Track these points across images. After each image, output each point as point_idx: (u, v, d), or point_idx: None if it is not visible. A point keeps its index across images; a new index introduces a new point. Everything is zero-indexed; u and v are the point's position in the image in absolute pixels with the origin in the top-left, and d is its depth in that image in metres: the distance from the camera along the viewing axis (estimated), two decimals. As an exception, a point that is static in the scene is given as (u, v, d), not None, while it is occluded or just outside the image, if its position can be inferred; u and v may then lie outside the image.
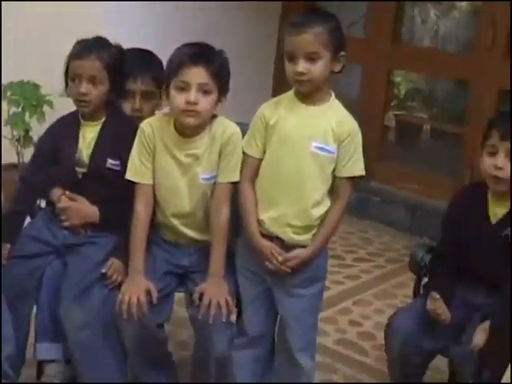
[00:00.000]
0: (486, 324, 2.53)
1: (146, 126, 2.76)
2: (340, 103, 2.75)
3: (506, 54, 5.14)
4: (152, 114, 3.00)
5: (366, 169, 2.71)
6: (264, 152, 2.71)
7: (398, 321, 2.77)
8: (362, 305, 4.22)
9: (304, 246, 2.70)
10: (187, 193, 2.76)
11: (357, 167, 2.70)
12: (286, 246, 2.69)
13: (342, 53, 2.65)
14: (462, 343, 2.66)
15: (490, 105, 5.12)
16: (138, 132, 2.76)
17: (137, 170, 2.76)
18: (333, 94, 2.73)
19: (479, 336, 2.53)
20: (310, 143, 2.63)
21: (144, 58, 3.07)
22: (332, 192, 2.71)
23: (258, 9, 5.73)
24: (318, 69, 2.59)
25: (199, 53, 2.65)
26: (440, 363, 3.15)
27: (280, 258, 2.67)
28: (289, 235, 2.69)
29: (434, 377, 3.23)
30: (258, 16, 5.78)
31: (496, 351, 1.79)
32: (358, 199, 5.26)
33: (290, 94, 2.73)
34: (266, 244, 2.69)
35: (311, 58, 2.57)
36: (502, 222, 2.78)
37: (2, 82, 4.68)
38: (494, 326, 2.32)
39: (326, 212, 2.70)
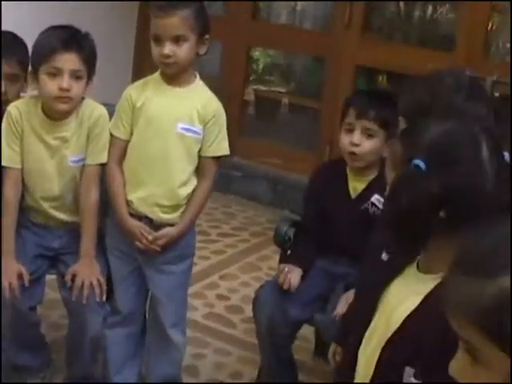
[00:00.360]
0: (349, 293, 2.71)
1: (12, 109, 2.76)
2: (204, 84, 2.84)
3: (362, 32, 5.35)
4: (18, 97, 2.98)
5: (228, 145, 2.83)
6: (131, 133, 2.77)
7: (265, 293, 2.90)
8: (229, 279, 4.34)
9: (172, 225, 2.79)
10: (56, 176, 2.79)
11: (222, 147, 2.80)
12: (155, 225, 2.78)
13: (207, 36, 2.74)
14: (326, 312, 2.83)
15: (347, 81, 5.34)
16: (5, 115, 2.75)
17: (4, 153, 2.75)
18: (197, 76, 2.82)
19: (342, 304, 2.71)
20: (176, 124, 2.72)
21: (7, 41, 3.02)
22: (198, 171, 2.80)
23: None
24: (184, 51, 2.66)
25: (70, 38, 2.67)
26: (306, 332, 3.32)
27: (150, 237, 2.74)
28: (157, 214, 2.77)
29: (302, 345, 3.40)
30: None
31: (358, 317, 1.93)
32: (220, 175, 5.28)
33: (156, 75, 2.79)
34: (135, 224, 2.76)
35: (178, 40, 2.64)
36: (361, 197, 2.96)
37: None
38: (356, 293, 2.48)
39: (193, 191, 2.80)
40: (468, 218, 1.52)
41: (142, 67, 5.67)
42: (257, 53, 6.59)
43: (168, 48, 2.64)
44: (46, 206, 2.83)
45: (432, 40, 5.75)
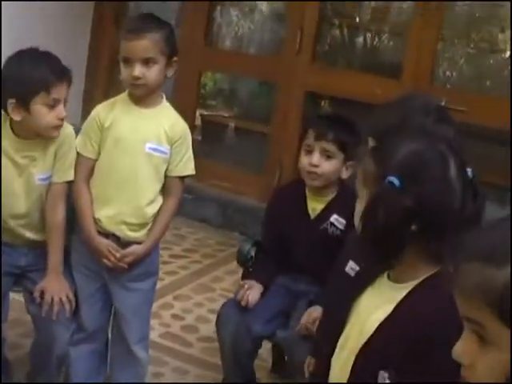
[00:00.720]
0: (313, 308, 2.82)
1: None
2: (170, 106, 2.93)
3: (312, 58, 5.53)
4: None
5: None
6: (99, 153, 2.85)
7: (228, 310, 3.01)
8: (183, 299, 4.42)
9: (139, 243, 2.88)
10: (23, 194, 2.83)
11: (188, 167, 2.91)
12: (122, 243, 2.86)
13: (175, 58, 2.84)
14: (288, 328, 2.94)
15: (296, 105, 5.49)
16: None
17: None
18: (164, 97, 2.92)
19: (305, 317, 2.82)
20: (144, 144, 2.81)
21: None
22: (164, 190, 2.89)
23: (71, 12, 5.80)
24: (154, 73, 2.76)
25: (63, 69, 2.74)
26: (263, 352, 3.41)
27: (117, 255, 2.82)
28: (125, 232, 2.85)
29: (260, 364, 3.48)
30: (70, 16, 5.84)
31: (329, 330, 2.04)
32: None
33: (124, 96, 2.88)
34: (102, 242, 2.83)
35: (147, 62, 2.74)
36: (320, 217, 3.09)
37: None
38: (324, 308, 2.60)
39: (159, 209, 2.88)
40: (437, 230, 1.66)
41: (92, 89, 5.77)
42: (203, 78, 6.68)
43: (138, 70, 2.73)
44: (13, 224, 2.86)
45: (376, 66, 5.96)
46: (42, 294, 2.80)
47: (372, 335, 1.74)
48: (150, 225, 2.88)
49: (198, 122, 6.83)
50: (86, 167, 2.86)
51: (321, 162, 3.01)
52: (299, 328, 2.84)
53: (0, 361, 2.96)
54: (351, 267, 2.30)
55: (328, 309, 2.44)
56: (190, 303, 4.38)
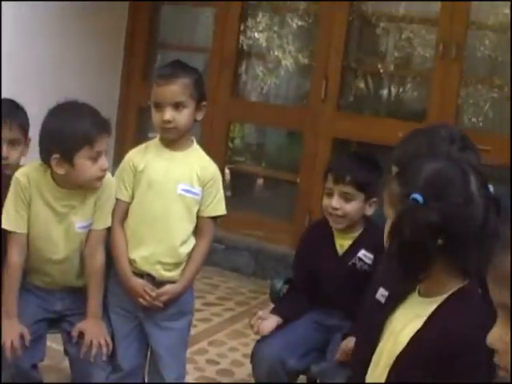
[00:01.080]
0: (348, 339, 2.87)
1: (21, 176, 2.87)
2: (201, 149, 3.05)
3: (338, 106, 5.65)
4: (18, 161, 3.11)
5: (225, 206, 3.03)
6: (133, 196, 2.96)
7: (265, 345, 3.05)
8: (217, 345, 4.46)
9: (173, 282, 2.96)
10: (62, 240, 2.91)
11: (219, 207, 3.01)
12: (157, 283, 2.95)
13: (204, 102, 2.96)
14: (326, 360, 2.99)
15: (324, 153, 5.59)
16: (13, 182, 2.86)
17: (11, 219, 2.86)
18: (194, 141, 3.03)
19: (343, 346, 2.87)
20: (176, 186, 2.91)
21: (7, 106, 3.13)
22: (196, 231, 2.99)
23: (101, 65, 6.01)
24: (184, 117, 2.88)
25: (104, 122, 2.84)
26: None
27: (153, 294, 2.90)
28: (159, 272, 2.94)
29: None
30: (100, 69, 6.04)
31: (360, 356, 2.11)
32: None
33: (156, 140, 3.01)
34: (138, 282, 2.92)
35: (178, 106, 2.86)
36: (348, 253, 3.15)
37: None
38: (357, 336, 2.65)
39: (192, 249, 2.97)
40: (462, 244, 1.74)
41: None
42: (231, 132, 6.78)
43: (168, 114, 2.85)
44: (50, 269, 2.94)
45: (400, 113, 6.05)
46: (81, 335, 2.87)
47: (404, 349, 1.81)
48: (184, 264, 2.97)
49: (227, 176, 6.91)
50: (121, 210, 2.96)
51: (341, 204, 3.07)
52: (337, 356, 2.88)
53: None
54: (381, 294, 2.36)
55: (360, 335, 2.48)
56: (225, 348, 4.42)
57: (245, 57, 6.39)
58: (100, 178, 2.85)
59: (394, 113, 6.01)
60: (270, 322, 3.09)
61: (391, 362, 1.83)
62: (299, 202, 5.83)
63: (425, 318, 1.80)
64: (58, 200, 2.88)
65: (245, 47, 6.31)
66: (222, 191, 3.02)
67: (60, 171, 2.79)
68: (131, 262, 2.94)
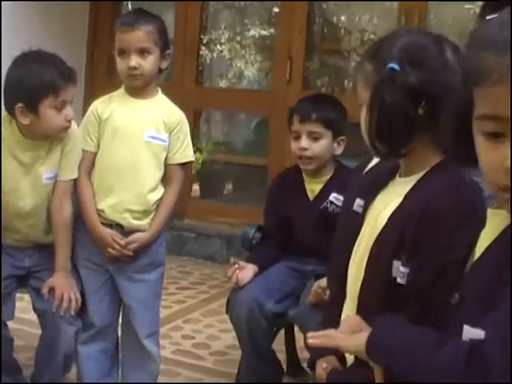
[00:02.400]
0: (321, 280, 2.81)
1: None
2: (166, 98, 3.00)
3: (302, 88, 5.62)
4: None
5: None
6: (98, 146, 2.89)
7: (242, 291, 2.99)
8: (193, 322, 4.38)
9: (142, 231, 2.89)
10: (30, 193, 2.84)
11: (187, 154, 2.95)
12: (126, 232, 2.88)
13: (168, 51, 2.93)
14: (299, 305, 2.93)
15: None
16: None
17: None
18: (159, 90, 2.98)
19: (315, 287, 2.82)
20: (142, 133, 2.86)
21: None
22: (165, 179, 2.93)
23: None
24: (149, 63, 2.84)
25: (70, 70, 2.78)
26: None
27: (122, 242, 2.83)
28: (128, 220, 2.87)
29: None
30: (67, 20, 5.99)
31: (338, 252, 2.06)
32: (173, 237, 5.49)
33: (121, 90, 2.96)
34: (106, 231, 2.85)
35: (143, 53, 2.81)
36: (319, 197, 3.13)
37: None
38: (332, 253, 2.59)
39: (161, 197, 2.91)
40: (443, 113, 1.68)
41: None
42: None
43: (134, 60, 2.80)
44: (19, 225, 2.87)
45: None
46: (50, 290, 2.80)
47: (383, 228, 1.76)
48: (153, 213, 2.91)
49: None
50: (87, 161, 2.89)
51: (309, 144, 3.05)
52: (309, 298, 2.83)
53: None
54: (359, 204, 2.30)
55: (335, 254, 2.42)
56: (200, 325, 4.34)
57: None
58: (65, 128, 2.79)
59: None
60: (248, 271, 3.03)
61: (371, 244, 1.78)
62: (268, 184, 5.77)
63: (403, 196, 1.76)
64: (24, 151, 2.81)
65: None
66: (189, 137, 2.97)
67: (25, 121, 2.72)
68: (99, 212, 2.87)
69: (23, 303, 3.44)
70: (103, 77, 6.18)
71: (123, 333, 3.01)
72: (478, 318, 1.27)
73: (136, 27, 2.82)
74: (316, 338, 1.59)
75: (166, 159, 2.91)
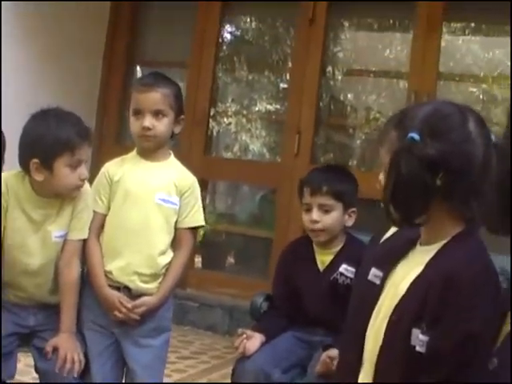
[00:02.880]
0: (329, 350, 2.77)
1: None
2: (178, 161, 3.00)
3: (310, 161, 5.65)
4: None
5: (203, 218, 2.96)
6: (109, 208, 2.88)
7: (248, 360, 2.92)
8: (194, 392, 4.31)
9: (150, 295, 2.85)
10: (39, 251, 2.81)
11: (198, 218, 2.94)
12: (133, 295, 2.84)
13: (182, 116, 2.95)
14: (307, 375, 2.88)
15: (297, 209, 5.54)
16: None
17: None
18: (172, 153, 2.99)
19: (323, 357, 2.77)
20: (154, 195, 2.85)
21: None
22: (174, 243, 2.91)
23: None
24: (163, 125, 2.85)
25: (84, 129, 2.78)
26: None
27: (129, 305, 2.79)
28: (136, 283, 2.84)
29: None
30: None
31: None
32: (175, 306, 5.41)
33: (133, 153, 2.96)
34: (113, 293, 2.82)
35: (157, 114, 2.83)
36: (329, 268, 3.10)
37: None
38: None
39: (171, 261, 2.88)
40: (462, 184, 1.69)
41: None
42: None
43: (148, 121, 2.82)
44: (25, 282, 2.83)
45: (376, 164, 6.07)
46: (54, 350, 2.75)
47: (404, 295, 1.75)
48: (161, 277, 2.87)
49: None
50: (97, 222, 2.88)
51: (320, 217, 3.05)
52: (318, 368, 2.78)
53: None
54: (374, 274, 2.28)
55: (350, 325, 2.38)
56: (201, 395, 4.28)
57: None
58: (78, 187, 2.78)
59: (369, 166, 6.02)
60: (255, 340, 2.98)
61: (391, 311, 1.76)
62: (274, 258, 5.74)
63: (425, 264, 1.76)
64: (35, 208, 2.79)
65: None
66: (200, 202, 2.96)
67: (39, 177, 2.71)
68: (107, 273, 2.84)
69: (20, 365, 3.39)
70: (112, 141, 6.23)
71: None
72: None
73: (153, 89, 2.85)
74: None
75: (176, 223, 2.89)
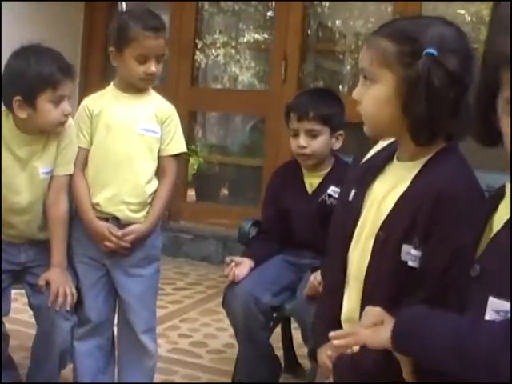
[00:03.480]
0: (316, 273, 2.78)
1: None
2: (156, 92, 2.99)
3: (298, 87, 5.61)
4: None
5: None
6: (91, 142, 2.86)
7: (237, 286, 2.96)
8: (189, 321, 4.34)
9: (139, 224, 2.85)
10: (26, 188, 2.81)
11: (179, 145, 2.94)
12: (122, 225, 2.84)
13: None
14: (296, 298, 2.90)
15: (286, 136, 5.52)
16: None
17: None
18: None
19: (311, 279, 2.79)
20: (135, 126, 2.84)
21: None
22: (158, 171, 2.91)
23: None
24: (161, 67, 2.86)
25: (69, 65, 2.77)
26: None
27: (118, 233, 2.79)
28: (124, 213, 2.83)
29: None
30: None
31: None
32: (169, 239, 5.46)
33: (111, 87, 2.93)
34: (102, 224, 2.81)
35: (159, 59, 2.82)
36: (318, 191, 3.11)
37: None
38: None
39: (156, 189, 2.89)
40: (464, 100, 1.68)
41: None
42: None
43: (154, 66, 2.80)
44: (14, 220, 2.83)
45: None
46: (46, 284, 2.76)
47: (391, 211, 1.75)
48: (149, 206, 2.87)
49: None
50: (81, 157, 2.86)
51: (308, 142, 3.04)
52: (305, 290, 2.80)
53: (0, 358, 2.88)
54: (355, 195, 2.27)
55: (331, 246, 2.38)
56: (197, 324, 4.31)
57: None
58: (62, 123, 2.76)
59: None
60: (244, 266, 3.00)
61: (376, 229, 1.76)
62: (265, 186, 5.73)
63: (409, 181, 1.75)
64: (20, 146, 2.77)
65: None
66: (180, 130, 2.96)
67: (22, 115, 2.69)
68: (94, 205, 2.83)
69: (18, 304, 3.42)
70: (98, 77, 6.18)
71: (119, 329, 2.97)
72: (502, 289, 1.28)
73: (159, 35, 2.81)
74: (340, 337, 1.58)
75: (158, 151, 2.88)
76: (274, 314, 3.00)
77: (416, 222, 1.67)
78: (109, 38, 2.93)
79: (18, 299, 3.36)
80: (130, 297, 2.89)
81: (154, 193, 2.88)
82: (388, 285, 1.72)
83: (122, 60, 2.81)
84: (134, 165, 2.82)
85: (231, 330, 3.18)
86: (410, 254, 1.68)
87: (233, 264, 3.00)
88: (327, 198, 3.04)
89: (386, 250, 1.73)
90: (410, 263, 1.69)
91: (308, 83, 5.97)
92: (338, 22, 6.30)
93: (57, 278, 2.77)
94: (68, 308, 2.76)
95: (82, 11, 6.31)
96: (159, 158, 2.88)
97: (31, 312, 2.92)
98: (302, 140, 3.03)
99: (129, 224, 2.84)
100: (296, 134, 3.07)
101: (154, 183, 2.88)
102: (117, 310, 3.00)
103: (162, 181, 2.88)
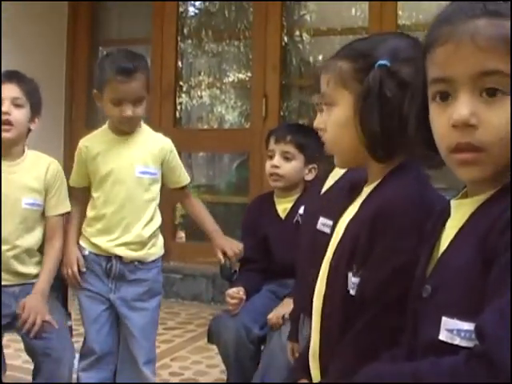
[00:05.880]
0: (286, 300, 3.02)
1: None
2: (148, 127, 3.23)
3: (278, 123, 5.77)
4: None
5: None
6: (89, 182, 3.11)
7: (227, 317, 3.14)
8: (180, 360, 4.48)
9: (140, 261, 3.10)
10: (9, 218, 2.98)
11: (185, 177, 3.25)
12: (125, 263, 3.09)
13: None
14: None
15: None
16: None
17: None
18: (141, 121, 3.18)
19: (278, 308, 3.04)
20: (134, 170, 3.07)
21: None
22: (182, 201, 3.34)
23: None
24: (141, 110, 3.03)
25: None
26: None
27: (83, 269, 3.06)
28: (126, 252, 3.07)
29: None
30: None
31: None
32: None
33: (105, 128, 3.16)
34: (76, 252, 3.07)
35: (137, 102, 2.98)
36: (290, 214, 3.32)
37: None
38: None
39: (157, 228, 3.15)
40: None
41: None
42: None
43: (130, 110, 2.97)
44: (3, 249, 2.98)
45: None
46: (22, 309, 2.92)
47: (340, 239, 1.73)
48: (150, 244, 3.10)
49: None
50: (79, 197, 3.15)
51: (281, 163, 3.27)
52: (269, 317, 3.04)
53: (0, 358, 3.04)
54: (322, 223, 2.36)
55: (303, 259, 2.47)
56: (188, 362, 4.42)
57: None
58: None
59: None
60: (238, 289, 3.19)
61: (331, 257, 1.75)
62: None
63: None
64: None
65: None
66: (180, 161, 3.22)
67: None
68: (96, 245, 3.08)
69: (10, 350, 3.49)
70: (82, 125, 6.38)
71: (120, 361, 3.18)
72: (455, 308, 1.26)
73: (132, 77, 2.94)
74: None
75: (171, 184, 3.20)
76: (262, 347, 3.11)
77: (356, 248, 1.63)
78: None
79: (11, 346, 3.43)
80: (135, 329, 3.11)
81: (155, 232, 3.12)
82: (338, 318, 1.67)
83: (102, 102, 2.93)
84: (133, 211, 3.07)
85: (222, 367, 3.30)
86: (351, 282, 1.63)
87: (241, 295, 3.16)
88: (300, 218, 3.18)
89: (336, 279, 1.70)
90: (351, 292, 1.63)
91: (291, 119, 6.12)
92: (320, 57, 6.41)
93: (31, 305, 2.91)
94: (31, 336, 2.85)
95: (63, 59, 6.52)
96: (172, 190, 3.20)
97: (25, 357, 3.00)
98: (276, 160, 3.26)
99: (131, 261, 3.07)
100: (272, 156, 3.30)
101: (155, 223, 3.13)
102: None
103: (194, 203, 3.33)
